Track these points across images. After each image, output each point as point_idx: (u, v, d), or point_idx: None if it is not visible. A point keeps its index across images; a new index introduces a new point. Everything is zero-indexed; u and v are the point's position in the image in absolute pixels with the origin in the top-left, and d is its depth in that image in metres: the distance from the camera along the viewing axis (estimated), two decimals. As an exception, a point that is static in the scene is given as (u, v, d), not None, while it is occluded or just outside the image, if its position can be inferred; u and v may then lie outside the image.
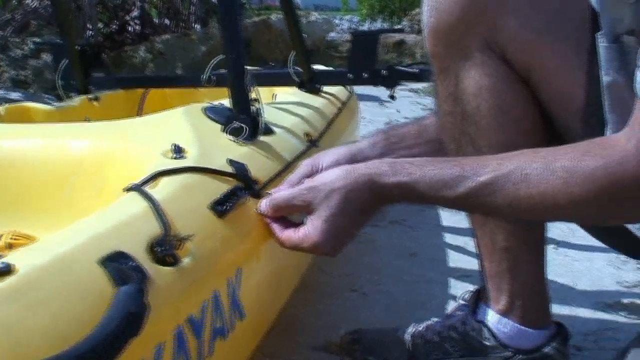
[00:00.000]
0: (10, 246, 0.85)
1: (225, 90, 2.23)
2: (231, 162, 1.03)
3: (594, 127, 0.94)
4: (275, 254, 1.00)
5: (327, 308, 1.50)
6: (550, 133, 1.03)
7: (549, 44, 0.98)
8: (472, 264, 1.56)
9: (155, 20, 6.19)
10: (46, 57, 4.31)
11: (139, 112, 2.16)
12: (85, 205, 0.95)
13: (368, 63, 1.86)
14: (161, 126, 1.20)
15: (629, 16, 0.82)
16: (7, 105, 1.59)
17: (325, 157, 1.11)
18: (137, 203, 0.82)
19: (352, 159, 1.11)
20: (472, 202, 0.88)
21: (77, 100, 1.88)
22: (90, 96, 1.94)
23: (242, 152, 1.14)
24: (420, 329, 1.21)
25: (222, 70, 2.20)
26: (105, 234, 0.73)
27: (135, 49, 5.28)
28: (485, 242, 1.12)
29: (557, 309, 1.53)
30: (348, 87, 2.20)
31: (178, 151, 1.04)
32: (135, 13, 5.76)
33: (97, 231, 0.73)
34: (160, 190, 0.88)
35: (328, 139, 1.57)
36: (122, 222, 0.77)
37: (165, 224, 0.78)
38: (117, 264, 0.66)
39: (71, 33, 1.95)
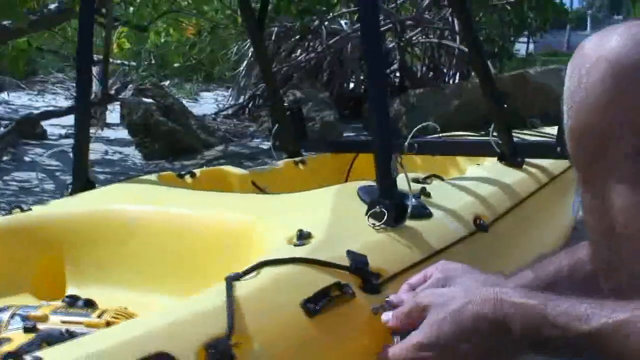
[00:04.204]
0: (108, 324, 0.90)
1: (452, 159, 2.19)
2: (350, 254, 0.99)
3: None
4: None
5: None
6: None
7: None
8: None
9: (417, 72, 6.31)
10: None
11: (347, 177, 2.19)
12: (206, 283, 0.98)
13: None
14: (306, 205, 1.20)
15: None
16: (204, 168, 1.71)
17: (460, 277, 1.00)
18: (220, 297, 0.82)
19: None
20: (603, 340, 0.75)
21: (281, 164, 1.96)
22: (296, 159, 2.01)
23: (375, 239, 1.09)
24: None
25: (429, 137, 2.16)
26: (166, 330, 0.74)
27: (391, 102, 5.41)
28: None
29: None
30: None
31: (302, 237, 1.03)
32: (395, 65, 5.92)
33: (158, 325, 0.74)
34: (257, 282, 0.88)
35: (507, 222, 1.44)
36: (192, 316, 0.77)
37: (230, 324, 0.76)
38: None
39: (278, 97, 2.04)
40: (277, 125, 2.09)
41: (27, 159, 3.67)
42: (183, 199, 1.34)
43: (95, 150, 3.88)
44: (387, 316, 0.94)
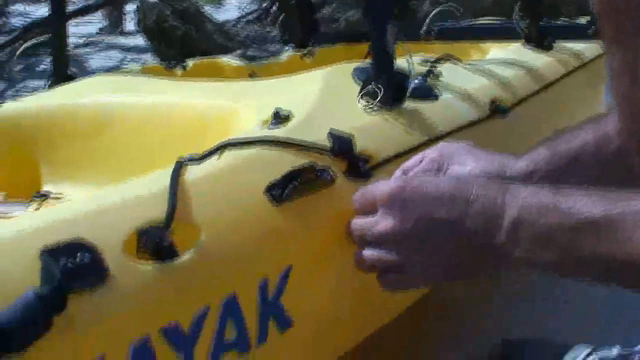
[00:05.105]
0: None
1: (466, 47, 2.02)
2: (332, 134, 0.85)
3: None
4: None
5: (502, 311, 1.25)
6: None
7: None
8: None
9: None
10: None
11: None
12: None
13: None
14: (293, 88, 1.06)
15: None
16: (197, 59, 1.57)
17: (459, 157, 0.85)
18: (166, 180, 0.69)
19: (496, 173, 0.82)
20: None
21: (286, 56, 1.81)
22: (303, 51, 1.86)
23: (367, 121, 0.95)
24: (593, 358, 0.92)
25: (450, 23, 1.98)
26: (91, 214, 0.62)
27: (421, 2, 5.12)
28: None
29: None
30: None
31: (278, 118, 0.89)
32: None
33: (84, 209, 0.63)
34: (215, 165, 0.75)
35: (530, 108, 1.28)
36: (128, 201, 0.65)
37: (171, 209, 0.64)
38: (59, 258, 0.55)
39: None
40: (283, 16, 1.94)
41: (41, 67, 3.56)
42: (162, 89, 1.21)
43: (112, 58, 3.76)
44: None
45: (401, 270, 0.72)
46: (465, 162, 0.83)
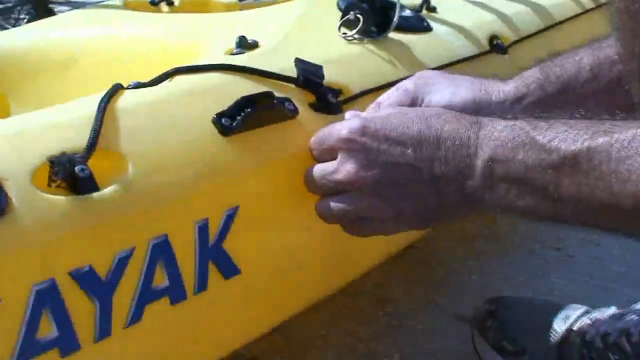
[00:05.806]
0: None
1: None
2: (299, 62, 0.76)
3: None
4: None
5: (508, 268, 1.16)
6: None
7: None
8: None
9: None
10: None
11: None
12: None
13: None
14: (273, 17, 0.97)
15: None
16: (185, -5, 1.47)
17: (436, 85, 0.76)
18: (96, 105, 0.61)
19: (477, 105, 0.75)
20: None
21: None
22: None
23: (344, 52, 0.86)
24: (586, 321, 0.84)
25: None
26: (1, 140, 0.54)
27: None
28: None
29: None
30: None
31: (243, 46, 0.81)
32: None
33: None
34: (158, 91, 0.67)
35: (534, 46, 1.17)
36: (46, 126, 0.57)
37: (94, 136, 0.56)
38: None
39: None
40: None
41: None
42: (137, 23, 1.13)
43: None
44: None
45: (365, 219, 0.65)
46: (444, 91, 0.74)
